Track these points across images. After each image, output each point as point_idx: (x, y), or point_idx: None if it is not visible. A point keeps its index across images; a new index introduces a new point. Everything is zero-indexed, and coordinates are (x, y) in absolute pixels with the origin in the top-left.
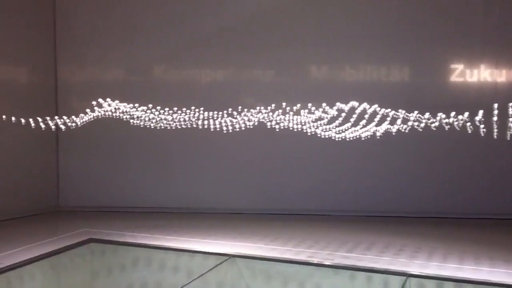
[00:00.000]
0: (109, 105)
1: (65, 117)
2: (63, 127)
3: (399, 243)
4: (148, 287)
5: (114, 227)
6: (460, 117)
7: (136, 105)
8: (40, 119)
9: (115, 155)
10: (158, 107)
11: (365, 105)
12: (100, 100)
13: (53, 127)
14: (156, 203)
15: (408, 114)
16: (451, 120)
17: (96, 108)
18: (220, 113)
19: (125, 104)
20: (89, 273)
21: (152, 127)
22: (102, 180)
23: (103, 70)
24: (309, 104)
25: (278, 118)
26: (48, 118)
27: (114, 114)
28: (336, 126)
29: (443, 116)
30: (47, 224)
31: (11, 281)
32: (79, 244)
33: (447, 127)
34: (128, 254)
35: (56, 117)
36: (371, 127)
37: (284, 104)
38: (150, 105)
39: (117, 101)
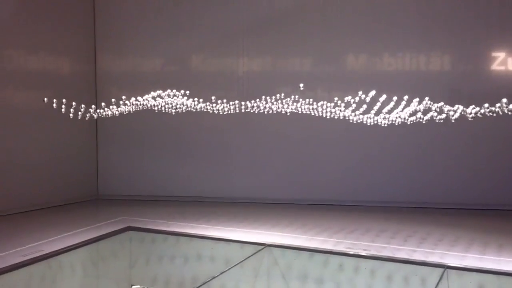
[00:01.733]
0: (147, 95)
1: (103, 105)
2: (103, 113)
3: (437, 234)
4: (185, 274)
5: (152, 216)
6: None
7: (174, 95)
8: (81, 108)
9: (152, 145)
10: (196, 98)
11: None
12: (139, 90)
13: (94, 115)
14: (193, 192)
15: (447, 106)
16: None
17: (135, 98)
18: (258, 102)
19: (163, 94)
20: (128, 260)
21: (189, 118)
22: (140, 169)
23: (142, 60)
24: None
25: (321, 108)
26: (86, 107)
27: (152, 104)
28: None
29: (486, 105)
30: (86, 212)
31: (52, 268)
32: (118, 232)
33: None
34: (165, 242)
35: (93, 106)
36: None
37: (321, 93)
38: (187, 95)
39: (154, 92)
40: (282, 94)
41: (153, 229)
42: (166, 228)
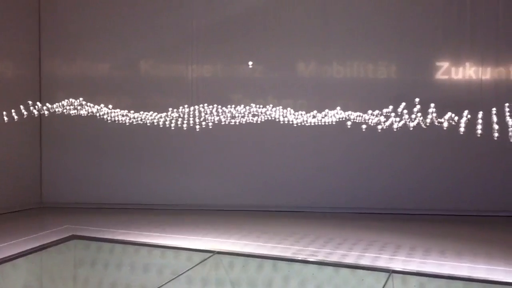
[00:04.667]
0: (93, 101)
1: (47, 106)
2: (46, 113)
3: (384, 240)
4: (132, 284)
5: (97, 224)
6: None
7: (122, 101)
8: (23, 111)
9: (98, 151)
10: (140, 103)
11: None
12: (86, 95)
13: (36, 113)
14: (140, 200)
15: (395, 111)
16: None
17: (80, 103)
18: (207, 108)
19: (110, 99)
20: (72, 270)
21: (135, 124)
22: (87, 175)
23: (89, 64)
24: (298, 101)
25: (267, 114)
26: (30, 108)
27: (98, 110)
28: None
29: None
30: (29, 220)
31: None
32: (62, 241)
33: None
34: (112, 251)
35: (38, 104)
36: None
37: (272, 100)
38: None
39: (101, 97)
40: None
41: (99, 238)
42: (112, 237)
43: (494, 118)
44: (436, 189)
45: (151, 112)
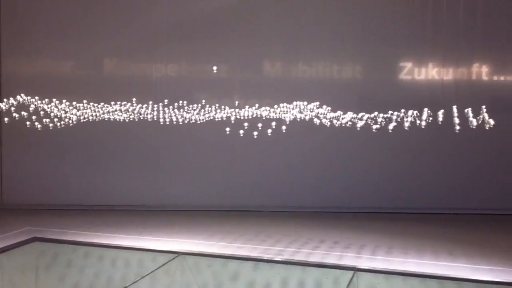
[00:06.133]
0: (55, 99)
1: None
2: (6, 119)
3: (345, 238)
4: (95, 286)
5: (60, 225)
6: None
7: (84, 100)
8: None
9: (60, 152)
10: (103, 102)
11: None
12: (47, 94)
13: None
14: (103, 201)
15: (359, 112)
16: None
17: (41, 102)
18: (171, 107)
19: (72, 98)
20: (34, 273)
21: (98, 123)
22: (46, 177)
23: (52, 63)
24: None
25: (229, 113)
26: None
27: (60, 109)
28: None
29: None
30: None
31: None
32: (22, 244)
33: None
34: (74, 253)
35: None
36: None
37: (236, 99)
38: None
39: (64, 96)
40: (202, 102)
41: (62, 240)
42: (75, 239)
43: (455, 116)
44: (399, 188)
45: (113, 107)
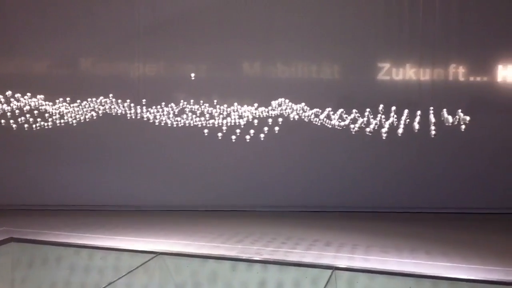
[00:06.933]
0: (32, 98)
1: None
2: None
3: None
4: (72, 286)
5: (36, 226)
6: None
7: (60, 99)
8: None
9: (36, 152)
10: (80, 101)
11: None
12: (23, 93)
13: None
14: (80, 201)
15: (337, 111)
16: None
17: (18, 100)
18: (149, 107)
19: (49, 97)
20: (10, 274)
21: (76, 122)
22: (22, 177)
23: (28, 61)
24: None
25: (209, 114)
26: None
27: (37, 108)
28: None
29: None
30: None
31: None
32: None
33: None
34: (52, 253)
35: None
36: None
37: (215, 100)
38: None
39: (41, 95)
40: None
41: (38, 240)
42: (51, 239)
43: (432, 116)
44: (382, 188)
45: (90, 105)
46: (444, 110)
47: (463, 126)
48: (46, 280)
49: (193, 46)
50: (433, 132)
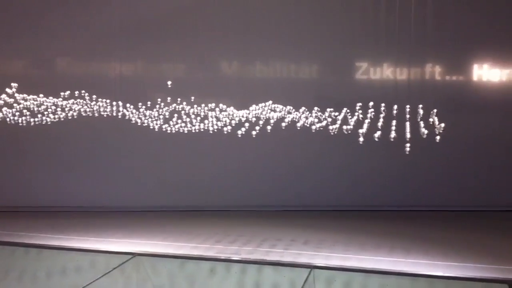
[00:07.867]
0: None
1: None
2: None
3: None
4: None
5: (11, 227)
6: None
7: (33, 98)
8: None
9: (10, 152)
10: (53, 99)
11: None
12: None
13: None
14: (54, 202)
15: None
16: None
17: None
18: (126, 107)
19: (24, 96)
20: None
21: (49, 123)
22: None
23: (2, 61)
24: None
25: (187, 113)
26: None
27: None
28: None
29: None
30: None
31: None
32: None
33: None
34: (26, 256)
35: None
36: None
37: (192, 99)
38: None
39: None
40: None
41: (12, 242)
42: (26, 241)
43: (407, 115)
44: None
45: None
46: (421, 123)
47: (438, 137)
48: (20, 284)
49: (171, 45)
50: (408, 130)
